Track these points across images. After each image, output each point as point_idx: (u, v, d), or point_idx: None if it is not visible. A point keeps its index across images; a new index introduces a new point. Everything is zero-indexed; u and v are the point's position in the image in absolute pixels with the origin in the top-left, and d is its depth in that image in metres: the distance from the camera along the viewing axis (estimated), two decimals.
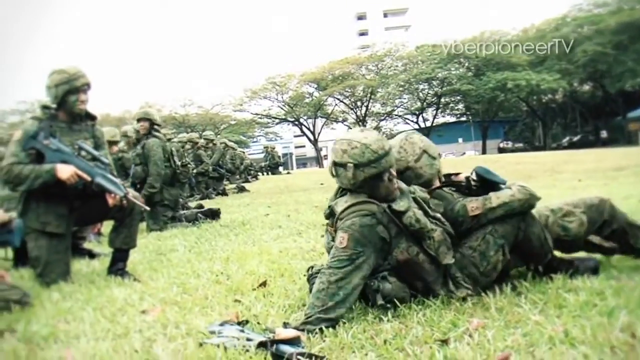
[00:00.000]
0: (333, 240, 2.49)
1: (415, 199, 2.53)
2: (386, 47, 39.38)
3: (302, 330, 2.13)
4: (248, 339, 2.04)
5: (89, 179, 3.46)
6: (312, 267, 2.78)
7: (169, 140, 6.79)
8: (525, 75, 33.40)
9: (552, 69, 34.02)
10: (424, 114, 41.58)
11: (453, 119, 45.10)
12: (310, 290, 2.57)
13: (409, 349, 1.91)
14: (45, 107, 3.62)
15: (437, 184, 2.84)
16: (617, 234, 2.83)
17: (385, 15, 59.11)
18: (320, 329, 2.17)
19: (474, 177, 2.79)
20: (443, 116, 43.67)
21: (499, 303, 2.35)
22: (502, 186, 2.68)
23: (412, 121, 42.38)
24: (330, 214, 2.55)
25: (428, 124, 41.44)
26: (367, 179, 2.40)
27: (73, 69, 3.58)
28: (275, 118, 43.20)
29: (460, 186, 2.82)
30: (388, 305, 2.37)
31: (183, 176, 6.70)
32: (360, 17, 59.31)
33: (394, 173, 2.48)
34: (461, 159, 25.72)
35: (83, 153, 3.55)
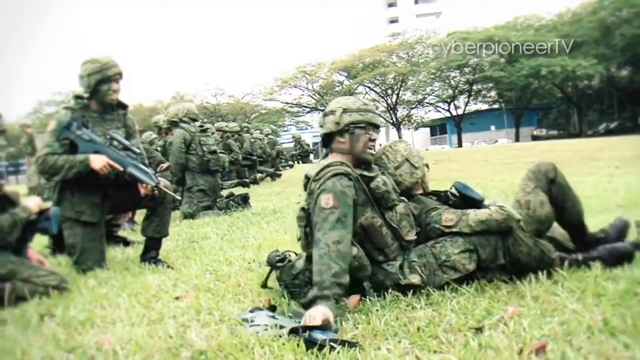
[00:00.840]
0: (303, 209, 2.56)
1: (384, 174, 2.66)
2: (417, 34, 38.91)
3: (321, 297, 2.11)
4: (281, 327, 2.04)
5: (121, 169, 3.51)
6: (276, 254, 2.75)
7: (203, 130, 6.85)
8: (561, 61, 32.59)
9: (588, 53, 33.16)
10: (456, 102, 41.04)
11: (485, 107, 44.36)
12: (279, 279, 2.64)
13: (442, 336, 1.89)
14: (78, 97, 3.67)
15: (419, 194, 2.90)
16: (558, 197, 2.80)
17: (416, 2, 58.38)
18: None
19: (453, 191, 2.84)
20: (475, 104, 42.99)
21: (534, 291, 2.30)
22: (482, 204, 2.71)
23: (443, 109, 41.90)
24: (308, 181, 2.59)
25: (460, 111, 40.92)
26: (350, 125, 2.55)
27: (105, 58, 3.62)
28: (306, 107, 43.17)
29: (441, 197, 2.87)
30: (356, 264, 2.37)
31: (213, 164, 6.75)
32: (391, 5, 58.69)
33: (375, 136, 2.62)
34: (494, 147, 25.36)
35: (115, 143, 3.60)
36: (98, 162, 3.45)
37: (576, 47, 33.24)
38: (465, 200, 2.76)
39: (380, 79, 39.11)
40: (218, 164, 6.84)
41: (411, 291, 2.44)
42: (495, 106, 43.62)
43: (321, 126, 2.67)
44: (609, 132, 33.77)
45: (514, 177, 8.43)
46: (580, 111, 39.80)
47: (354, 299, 2.36)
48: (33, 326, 2.40)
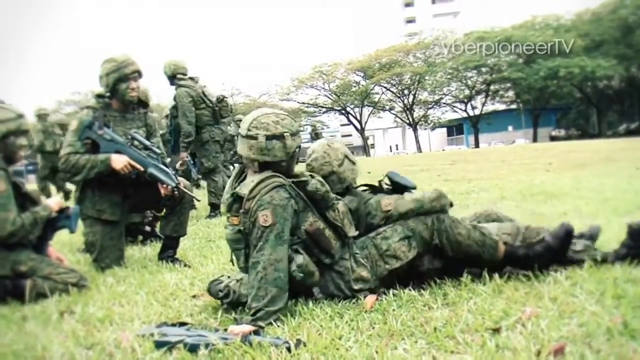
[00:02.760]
0: (240, 231, 2.41)
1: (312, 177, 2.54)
2: (434, 34, 38.76)
3: (255, 326, 2.09)
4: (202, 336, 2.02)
5: (142, 169, 3.55)
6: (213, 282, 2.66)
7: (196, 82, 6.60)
8: (579, 61, 32.24)
9: (608, 53, 32.74)
10: (473, 102, 40.82)
11: (503, 107, 44.05)
12: (215, 296, 2.55)
13: (459, 337, 1.88)
14: (99, 96, 3.71)
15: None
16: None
17: (433, 2, 58.17)
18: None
19: (386, 180, 2.91)
20: (492, 104, 42.71)
21: (552, 292, 2.28)
22: (413, 190, 2.78)
23: (460, 109, 41.68)
24: (234, 201, 2.45)
25: (477, 112, 40.67)
26: (294, 149, 2.46)
27: (122, 56, 3.65)
28: (322, 107, 43.23)
29: (375, 188, 2.92)
30: (301, 275, 2.34)
31: (224, 111, 6.66)
32: (408, 4, 58.55)
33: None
34: (511, 148, 25.16)
35: (136, 143, 3.63)
36: (119, 162, 3.49)
37: (595, 47, 32.87)
38: (397, 188, 2.85)
39: (396, 79, 39.06)
40: (227, 110, 6.71)
41: (427, 291, 2.44)
42: (513, 106, 43.31)
43: (262, 151, 2.41)
44: (629, 133, 33.31)
45: (532, 177, 8.37)
46: (600, 111, 39.37)
47: (371, 298, 2.36)
48: (53, 323, 2.44)
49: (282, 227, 2.30)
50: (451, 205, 2.65)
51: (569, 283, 2.40)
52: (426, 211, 2.56)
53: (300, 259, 2.35)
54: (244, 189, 2.40)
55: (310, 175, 2.51)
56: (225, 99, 6.75)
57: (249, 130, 2.42)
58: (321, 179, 2.51)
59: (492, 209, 3.17)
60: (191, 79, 6.58)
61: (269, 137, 2.40)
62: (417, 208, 2.57)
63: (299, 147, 2.50)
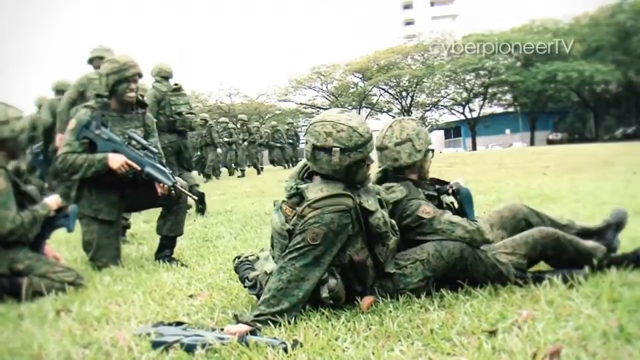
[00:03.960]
0: (287, 221, 2.34)
1: (379, 201, 2.44)
2: (432, 36, 38.81)
3: (252, 326, 2.08)
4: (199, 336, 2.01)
5: (139, 168, 3.56)
6: (238, 257, 2.68)
7: (176, 90, 6.69)
8: (577, 65, 32.30)
9: (605, 59, 32.80)
10: (471, 105, 40.85)
11: (500, 110, 44.08)
12: (242, 281, 2.54)
13: (455, 339, 1.89)
14: (98, 96, 3.72)
15: (412, 177, 2.75)
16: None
17: (432, 4, 58.19)
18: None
19: (454, 188, 2.75)
20: (490, 107, 42.73)
21: (549, 295, 2.29)
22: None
23: (458, 112, 41.72)
24: (297, 195, 2.35)
25: (474, 114, 40.72)
26: (351, 164, 2.30)
27: (124, 58, 3.67)
28: (320, 108, 43.14)
29: (439, 188, 2.80)
30: (330, 301, 2.28)
31: (179, 124, 6.60)
32: (407, 6, 58.52)
33: (372, 159, 2.43)
34: (508, 151, 25.20)
35: (133, 142, 3.64)
36: (116, 161, 3.50)
37: (592, 52, 32.94)
38: (458, 207, 2.75)
39: (395, 80, 39.07)
40: (184, 125, 6.68)
41: (424, 293, 2.44)
42: (511, 109, 43.34)
43: (308, 160, 2.39)
44: (626, 137, 33.36)
45: (529, 181, 8.39)
46: (597, 115, 39.44)
47: (368, 300, 2.36)
48: (49, 321, 2.44)
49: (326, 250, 2.24)
50: (489, 242, 2.55)
51: (566, 286, 2.41)
52: (456, 238, 2.48)
53: (334, 283, 2.28)
54: (311, 193, 2.30)
55: (379, 201, 2.43)
56: (189, 114, 6.75)
57: (306, 133, 2.37)
58: (385, 214, 2.40)
59: (519, 206, 3.01)
60: (176, 86, 6.73)
61: (316, 148, 2.31)
62: (449, 232, 2.49)
63: (363, 161, 2.34)
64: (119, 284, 3.12)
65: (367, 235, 2.37)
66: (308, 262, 2.21)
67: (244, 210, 6.70)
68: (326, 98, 42.28)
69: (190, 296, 2.76)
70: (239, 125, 18.86)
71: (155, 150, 3.68)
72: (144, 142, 3.66)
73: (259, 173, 17.32)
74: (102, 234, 3.67)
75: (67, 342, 2.10)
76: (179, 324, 2.21)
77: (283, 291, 2.19)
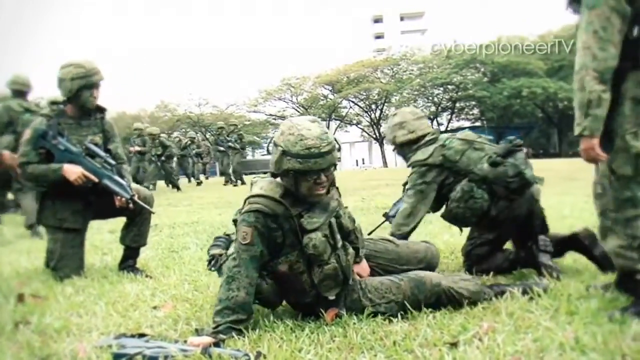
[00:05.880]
0: None
1: (340, 226, 2.40)
2: (402, 50, 39.27)
3: (216, 338, 2.08)
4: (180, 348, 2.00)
5: (96, 180, 3.51)
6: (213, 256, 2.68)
7: (27, 110, 6.21)
8: (542, 82, 33.07)
9: (569, 78, 33.57)
10: (439, 119, 41.41)
11: (468, 124, 44.77)
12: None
13: (418, 351, 1.91)
14: (53, 103, 3.65)
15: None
16: None
17: (401, 19, 58.94)
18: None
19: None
20: (458, 120, 43.39)
21: (509, 308, 2.34)
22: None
23: None
24: None
25: (442, 128, 41.24)
26: (289, 171, 2.25)
27: (89, 63, 3.58)
28: None
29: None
30: (257, 302, 2.34)
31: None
32: (377, 20, 59.18)
33: (324, 179, 2.28)
34: None
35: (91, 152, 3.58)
36: (72, 172, 3.45)
37: (555, 71, 33.72)
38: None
39: (364, 93, 39.35)
40: None
41: None
42: (478, 124, 44.05)
43: (268, 152, 2.42)
44: None
45: None
46: (561, 131, 40.36)
47: (332, 312, 2.37)
48: (7, 333, 2.38)
49: (258, 251, 2.26)
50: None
51: (526, 299, 2.46)
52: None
53: (264, 286, 2.33)
54: (254, 189, 2.37)
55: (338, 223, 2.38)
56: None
57: None
58: (319, 239, 2.28)
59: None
60: (36, 105, 6.49)
61: (273, 143, 2.34)
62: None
63: (306, 173, 2.24)
64: (81, 295, 3.06)
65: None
66: (247, 264, 2.24)
67: (211, 221, 6.65)
68: (296, 109, 42.33)
69: (154, 307, 2.73)
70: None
71: (112, 161, 3.62)
72: (102, 153, 3.59)
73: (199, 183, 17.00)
74: (66, 243, 3.59)
75: (25, 354, 2.06)
76: (141, 335, 2.18)
77: (235, 300, 2.19)
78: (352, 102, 40.92)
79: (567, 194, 8.23)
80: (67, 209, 3.61)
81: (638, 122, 2.13)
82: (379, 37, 57.52)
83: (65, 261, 3.58)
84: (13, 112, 6.19)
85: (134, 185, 3.72)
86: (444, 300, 2.40)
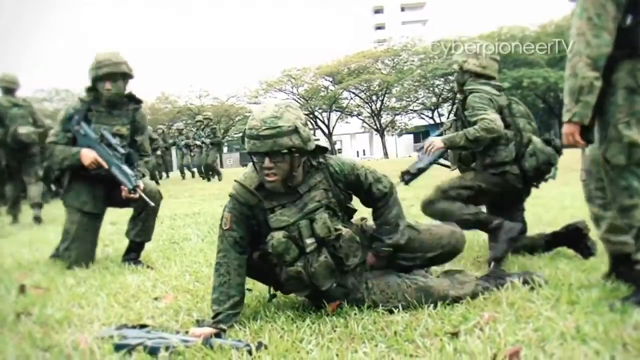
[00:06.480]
0: None
1: (300, 226, 2.26)
2: (403, 41, 39.12)
3: (217, 329, 2.10)
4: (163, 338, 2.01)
5: (106, 166, 3.54)
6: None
7: (15, 105, 6.57)
8: (543, 72, 32.95)
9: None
10: (440, 110, 41.33)
11: None
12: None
13: (419, 340, 1.92)
14: (89, 90, 3.70)
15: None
16: None
17: (402, 9, 58.68)
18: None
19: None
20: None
21: (510, 298, 2.34)
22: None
23: (427, 116, 42.16)
24: None
25: (443, 119, 41.14)
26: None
27: (102, 55, 3.64)
28: None
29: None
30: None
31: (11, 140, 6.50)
32: (378, 11, 58.89)
33: (268, 164, 2.16)
34: None
35: (112, 140, 3.64)
36: (87, 157, 3.55)
37: (556, 62, 33.56)
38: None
39: (365, 84, 39.24)
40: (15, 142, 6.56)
41: None
42: None
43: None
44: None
45: None
46: (561, 122, 40.26)
47: (333, 303, 2.37)
48: (9, 324, 2.38)
49: (240, 237, 2.28)
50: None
51: (527, 288, 2.46)
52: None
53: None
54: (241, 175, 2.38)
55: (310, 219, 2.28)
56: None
57: None
58: (280, 239, 2.22)
59: None
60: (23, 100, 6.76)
61: None
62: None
63: (250, 155, 2.23)
64: (83, 286, 3.07)
65: None
66: (234, 250, 2.27)
67: (212, 212, 6.65)
68: (296, 101, 42.21)
69: (156, 299, 2.73)
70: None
71: (122, 150, 3.62)
72: (113, 140, 3.62)
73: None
74: (82, 226, 3.69)
75: (27, 345, 2.07)
76: (142, 326, 2.19)
77: (227, 284, 2.23)
78: (353, 93, 40.81)
79: (568, 184, 8.18)
80: (90, 194, 3.72)
81: (630, 112, 2.12)
82: (379, 27, 57.27)
83: (78, 243, 3.66)
84: (2, 107, 6.47)
85: (145, 179, 3.77)
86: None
